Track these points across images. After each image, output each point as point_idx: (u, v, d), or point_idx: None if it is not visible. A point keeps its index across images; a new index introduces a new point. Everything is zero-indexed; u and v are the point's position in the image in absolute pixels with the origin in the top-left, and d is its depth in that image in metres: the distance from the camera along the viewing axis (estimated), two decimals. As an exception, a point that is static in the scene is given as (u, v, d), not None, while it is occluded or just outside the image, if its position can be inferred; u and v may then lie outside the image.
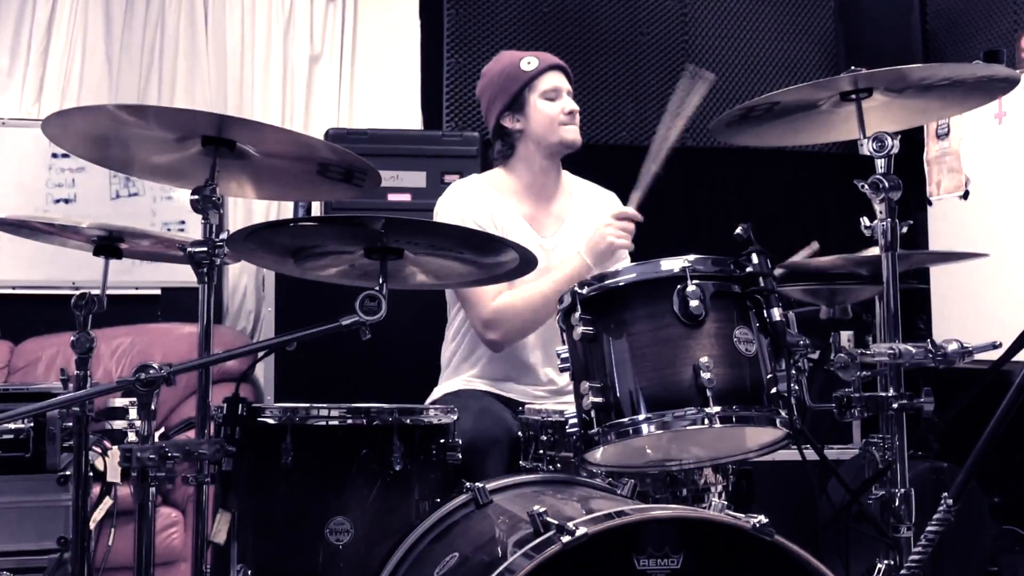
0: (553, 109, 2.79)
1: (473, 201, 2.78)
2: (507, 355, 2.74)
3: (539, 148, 2.81)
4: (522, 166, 2.83)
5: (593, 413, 1.86)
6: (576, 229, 2.82)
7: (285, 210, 4.45)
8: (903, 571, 1.80)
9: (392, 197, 3.78)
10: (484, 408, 2.55)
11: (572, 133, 2.81)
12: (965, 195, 4.02)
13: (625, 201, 2.81)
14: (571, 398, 2.64)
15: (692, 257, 1.86)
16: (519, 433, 2.35)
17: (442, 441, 2.14)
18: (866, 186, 2.07)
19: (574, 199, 2.89)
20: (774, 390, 1.85)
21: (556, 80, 2.81)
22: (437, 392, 2.80)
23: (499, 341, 2.68)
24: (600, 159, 4.64)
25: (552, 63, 2.84)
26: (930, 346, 2.01)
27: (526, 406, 2.40)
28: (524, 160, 2.83)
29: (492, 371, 2.75)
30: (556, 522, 1.59)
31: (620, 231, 2.67)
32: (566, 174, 2.92)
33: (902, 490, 2.04)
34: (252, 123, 2.07)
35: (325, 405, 2.07)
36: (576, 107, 2.82)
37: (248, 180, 2.22)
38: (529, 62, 2.81)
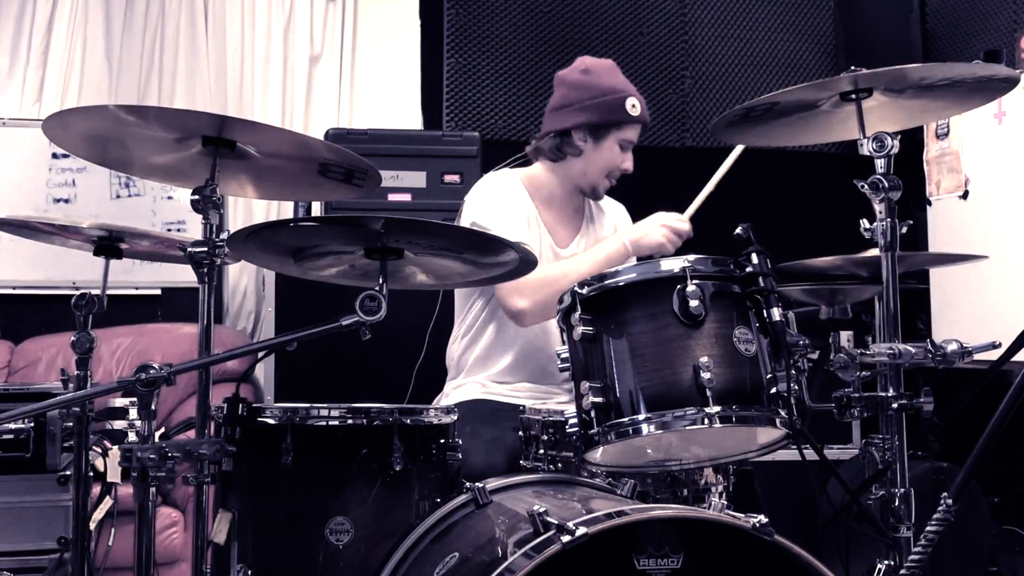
0: (617, 159, 2.77)
1: (512, 196, 2.77)
2: (523, 355, 2.72)
3: (578, 175, 2.80)
4: (562, 175, 2.82)
5: (593, 413, 1.86)
6: (591, 238, 2.84)
7: (285, 210, 4.45)
8: (903, 571, 1.80)
9: (392, 197, 3.78)
10: (495, 439, 2.48)
11: (606, 189, 2.83)
12: (965, 195, 4.02)
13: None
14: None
15: (692, 257, 1.87)
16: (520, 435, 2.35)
17: (442, 441, 2.14)
18: (866, 186, 2.07)
19: (591, 212, 2.91)
20: (774, 390, 1.85)
21: (636, 135, 2.79)
22: (448, 397, 2.76)
23: (525, 311, 2.58)
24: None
25: (644, 118, 2.79)
26: (930, 346, 2.01)
27: (527, 406, 2.40)
28: (565, 172, 2.81)
29: (507, 373, 2.73)
30: (556, 522, 1.59)
31: (673, 238, 2.65)
32: None
33: (902, 490, 2.04)
34: (252, 123, 2.07)
35: (325, 405, 2.07)
36: (631, 170, 2.79)
37: (248, 180, 2.22)
38: (635, 105, 2.74)
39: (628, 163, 2.79)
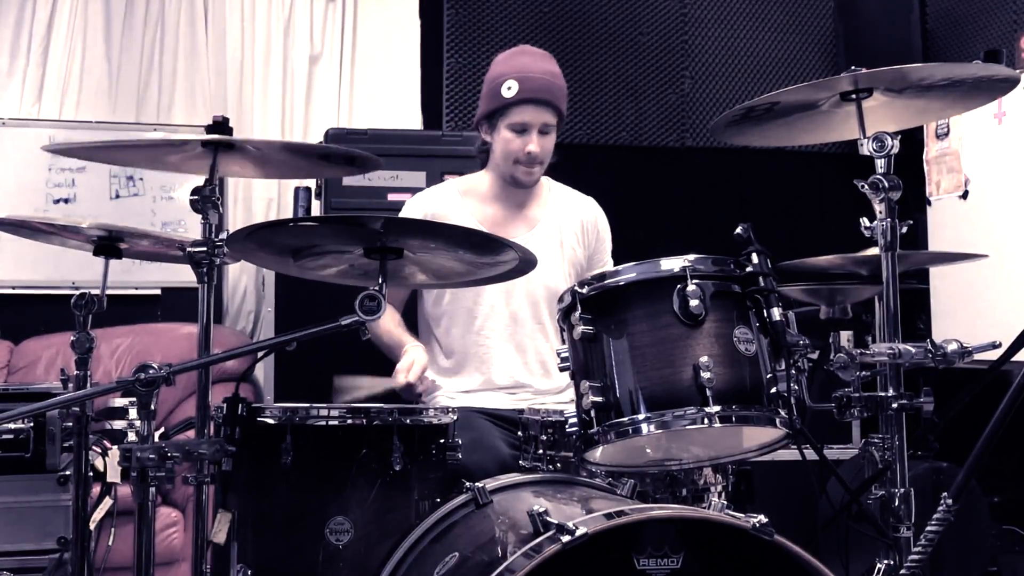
0: (515, 145, 2.72)
1: (428, 207, 2.81)
2: (469, 361, 2.76)
3: (497, 167, 2.81)
4: (493, 172, 2.85)
5: (593, 413, 1.86)
6: (546, 233, 2.81)
7: (285, 210, 4.45)
8: (903, 571, 1.80)
9: (392, 197, 3.77)
10: (476, 439, 2.42)
11: (525, 176, 2.75)
12: (965, 195, 4.02)
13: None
14: (548, 398, 2.67)
15: (692, 257, 1.87)
16: (517, 461, 2.32)
17: (442, 441, 2.14)
18: (866, 186, 2.07)
19: (549, 205, 2.87)
20: (774, 390, 1.85)
21: (530, 115, 2.70)
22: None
23: None
24: (600, 159, 4.68)
25: (530, 96, 2.69)
26: (930, 346, 2.01)
27: (527, 407, 2.39)
28: (493, 168, 2.84)
29: (464, 383, 2.75)
30: (556, 522, 1.59)
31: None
32: (547, 180, 2.90)
33: (902, 490, 2.04)
34: (249, 141, 2.09)
35: (325, 405, 2.07)
36: (538, 150, 2.70)
37: (251, 165, 2.23)
38: (509, 87, 2.69)
39: (531, 146, 2.72)
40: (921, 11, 4.56)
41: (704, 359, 1.80)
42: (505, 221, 2.81)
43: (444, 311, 2.80)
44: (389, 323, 2.77)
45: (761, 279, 1.88)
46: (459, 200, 2.84)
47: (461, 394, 2.74)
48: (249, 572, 2.02)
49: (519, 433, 2.33)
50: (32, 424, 2.77)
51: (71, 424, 2.37)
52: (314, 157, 2.15)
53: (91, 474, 2.42)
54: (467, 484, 1.98)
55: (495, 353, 2.75)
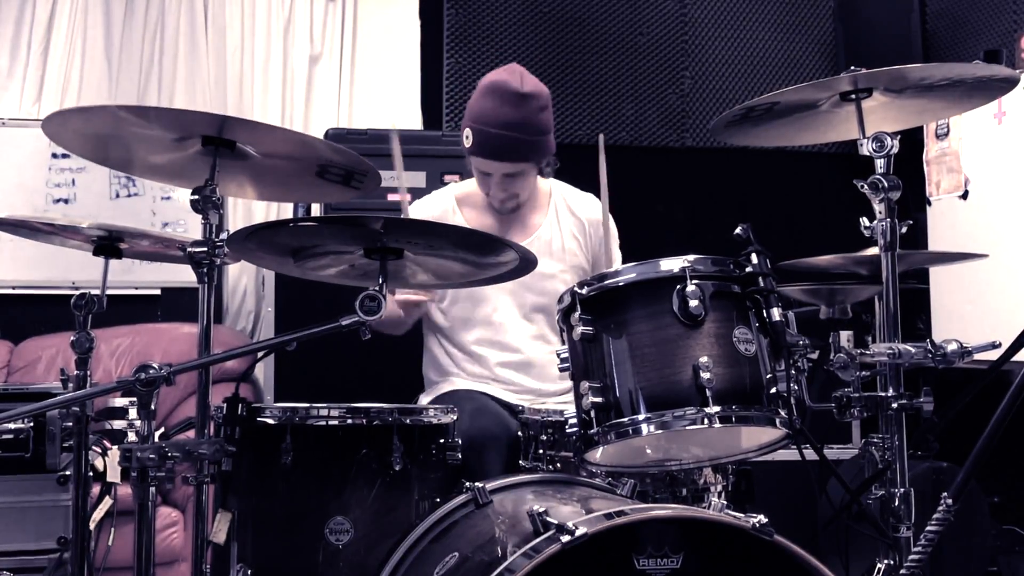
0: (482, 185, 2.74)
1: (424, 216, 2.80)
2: (472, 367, 2.77)
3: None
4: None
5: (593, 413, 1.86)
6: (544, 240, 2.79)
7: (285, 210, 4.45)
8: (903, 571, 1.80)
9: (392, 197, 3.76)
10: (480, 407, 2.51)
11: (500, 206, 2.74)
12: (964, 195, 4.02)
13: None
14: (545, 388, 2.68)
15: (692, 257, 1.87)
16: (518, 433, 2.34)
17: (442, 441, 2.14)
18: (866, 186, 2.07)
19: (548, 210, 2.85)
20: (774, 390, 1.85)
21: (486, 167, 2.67)
22: (428, 396, 2.79)
23: None
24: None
25: (483, 152, 2.63)
26: (929, 346, 2.01)
27: (526, 406, 2.40)
28: None
29: (474, 374, 2.77)
30: (556, 522, 1.60)
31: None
32: (550, 182, 2.87)
33: (902, 490, 2.04)
34: (252, 123, 2.07)
35: (325, 405, 2.07)
36: (502, 194, 2.70)
37: (248, 181, 2.22)
38: (468, 137, 2.63)
39: (497, 194, 2.71)
40: (921, 11, 4.56)
41: (704, 359, 1.80)
42: (501, 230, 2.78)
43: (448, 320, 2.80)
44: (391, 305, 2.75)
45: (761, 279, 1.88)
46: (455, 209, 2.82)
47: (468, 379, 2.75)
48: (249, 572, 2.03)
49: (519, 433, 2.34)
50: (32, 424, 2.77)
51: (71, 424, 2.37)
52: (312, 173, 2.14)
53: (91, 474, 2.42)
54: (467, 484, 1.98)
55: (497, 360, 2.75)
